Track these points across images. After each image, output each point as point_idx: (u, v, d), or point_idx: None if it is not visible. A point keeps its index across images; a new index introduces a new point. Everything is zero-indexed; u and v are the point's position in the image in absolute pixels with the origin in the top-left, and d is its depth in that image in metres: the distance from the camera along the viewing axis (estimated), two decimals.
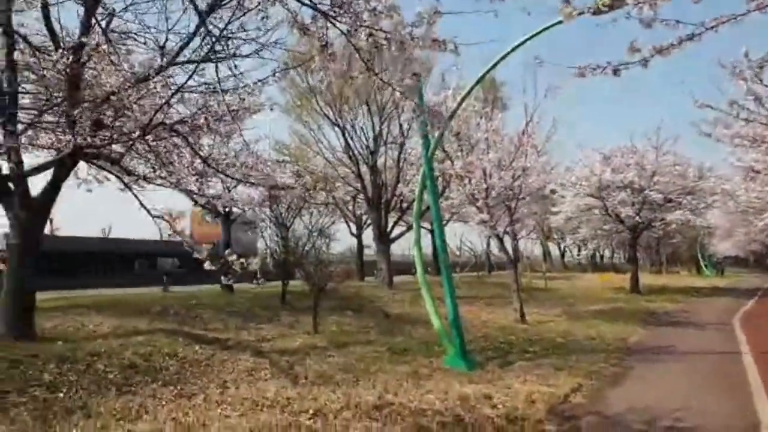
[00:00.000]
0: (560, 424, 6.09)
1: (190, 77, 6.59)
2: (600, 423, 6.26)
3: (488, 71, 8.20)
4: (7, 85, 7.33)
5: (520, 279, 15.36)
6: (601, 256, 64.98)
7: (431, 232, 36.49)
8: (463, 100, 8.79)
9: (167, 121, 7.28)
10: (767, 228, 22.56)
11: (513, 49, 7.32)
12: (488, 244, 42.21)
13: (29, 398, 6.08)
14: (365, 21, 3.16)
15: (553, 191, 22.82)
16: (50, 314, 10.02)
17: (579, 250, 64.52)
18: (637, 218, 24.16)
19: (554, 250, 58.96)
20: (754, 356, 9.95)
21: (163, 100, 6.86)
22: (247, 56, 7.14)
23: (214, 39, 6.26)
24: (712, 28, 4.10)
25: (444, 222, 27.43)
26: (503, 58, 7.77)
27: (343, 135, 22.82)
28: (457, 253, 36.60)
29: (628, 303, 20.81)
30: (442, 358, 9.15)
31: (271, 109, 8.68)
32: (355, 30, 3.18)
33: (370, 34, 3.18)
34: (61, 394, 6.35)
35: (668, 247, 59.71)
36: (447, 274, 9.12)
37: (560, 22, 7.02)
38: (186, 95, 7.95)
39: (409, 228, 24.94)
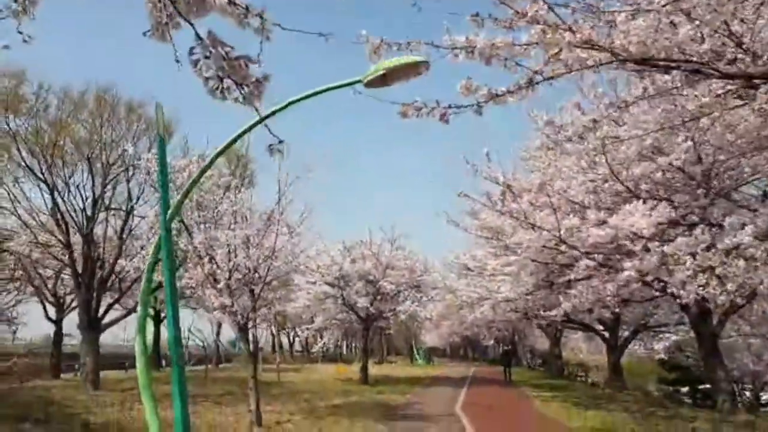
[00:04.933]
0: None
1: None
2: None
3: (253, 126, 6.90)
4: None
5: (258, 374, 13.53)
6: (328, 348, 66.19)
7: (154, 317, 32.17)
8: (219, 155, 7.27)
9: None
10: (476, 320, 25.22)
11: (286, 106, 6.18)
12: (218, 334, 39.08)
13: None
14: None
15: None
16: None
17: (307, 341, 64.81)
18: (371, 308, 24.75)
19: (284, 340, 58.09)
20: None
21: None
22: None
23: None
24: (550, 78, 3.60)
25: None
26: (272, 113, 6.54)
27: (52, 194, 18.46)
28: (185, 343, 32.61)
29: (361, 396, 20.45)
30: None
31: None
32: None
33: None
34: None
35: (385, 337, 64.25)
36: (179, 373, 6.95)
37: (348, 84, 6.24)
38: None
39: (128, 313, 21.02)
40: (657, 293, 16.55)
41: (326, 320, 27.15)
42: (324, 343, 32.56)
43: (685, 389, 29.02)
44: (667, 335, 24.79)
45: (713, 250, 8.68)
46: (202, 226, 12.10)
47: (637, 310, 22.30)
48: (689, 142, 9.11)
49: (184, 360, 7.36)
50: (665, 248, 8.27)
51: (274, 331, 41.63)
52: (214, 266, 12.06)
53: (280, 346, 49.26)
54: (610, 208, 10.90)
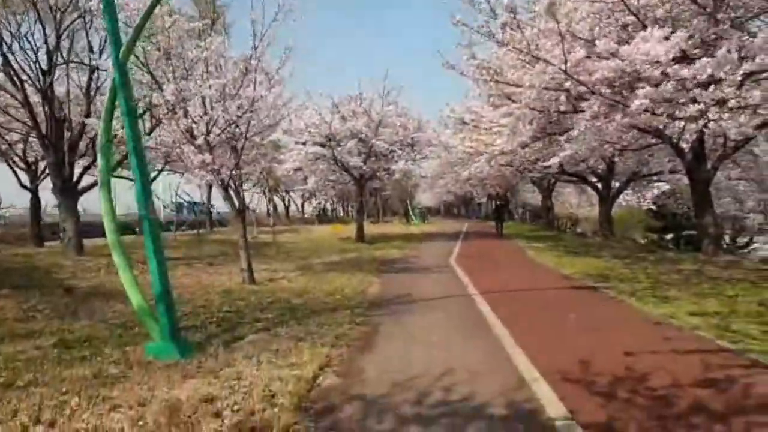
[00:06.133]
0: (314, 429, 4.33)
1: None
2: (363, 413, 4.66)
3: None
4: None
5: (247, 232, 13.25)
6: (324, 210, 67.23)
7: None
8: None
9: None
10: (471, 176, 24.91)
11: None
12: (209, 198, 38.95)
13: None
14: None
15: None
16: None
17: (303, 204, 65.59)
18: (364, 167, 24.25)
19: (279, 204, 58.66)
20: (486, 299, 10.01)
21: None
22: None
23: None
24: None
25: (157, 171, 23.45)
26: None
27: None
28: (173, 209, 32.41)
29: (358, 252, 20.67)
30: (143, 345, 6.58)
31: None
32: None
33: None
34: None
35: (381, 198, 65.03)
36: (151, 230, 6.45)
37: None
38: None
39: None
40: (654, 140, 16.06)
41: (319, 181, 26.74)
42: (319, 203, 32.46)
43: (669, 236, 29.88)
44: (659, 184, 24.87)
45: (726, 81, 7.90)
46: (171, 76, 10.97)
47: (630, 160, 21.99)
48: None
49: (155, 213, 6.82)
50: (684, 72, 7.43)
51: (267, 194, 41.56)
52: (190, 121, 11.17)
53: (275, 209, 49.69)
54: (617, 43, 9.93)
